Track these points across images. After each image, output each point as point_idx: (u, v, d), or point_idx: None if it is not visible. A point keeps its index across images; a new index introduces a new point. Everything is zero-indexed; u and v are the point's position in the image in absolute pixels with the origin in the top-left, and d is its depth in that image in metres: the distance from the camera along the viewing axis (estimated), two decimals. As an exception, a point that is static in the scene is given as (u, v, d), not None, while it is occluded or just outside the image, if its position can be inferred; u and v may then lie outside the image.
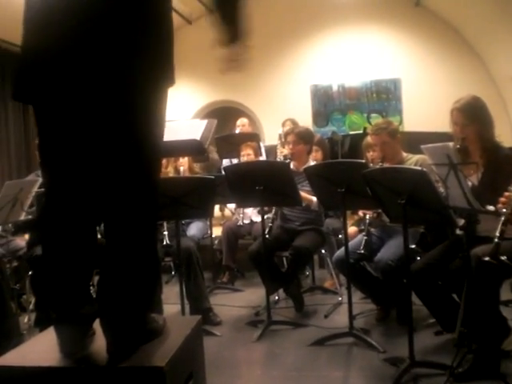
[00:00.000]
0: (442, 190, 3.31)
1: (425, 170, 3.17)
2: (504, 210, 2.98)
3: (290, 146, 5.14)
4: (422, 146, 3.46)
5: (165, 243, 4.82)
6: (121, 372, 1.98)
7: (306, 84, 11.07)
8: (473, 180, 3.50)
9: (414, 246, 4.22)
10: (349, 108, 11.05)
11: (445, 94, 8.69)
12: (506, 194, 3.02)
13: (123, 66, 1.92)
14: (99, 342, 2.15)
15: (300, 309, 4.94)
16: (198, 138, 3.00)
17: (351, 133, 8.79)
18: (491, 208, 3.14)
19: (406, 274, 3.55)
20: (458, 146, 3.53)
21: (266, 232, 4.71)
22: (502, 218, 2.97)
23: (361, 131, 7.19)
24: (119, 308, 2.06)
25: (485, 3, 8.81)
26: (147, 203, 2.09)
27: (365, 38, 10.83)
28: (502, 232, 2.95)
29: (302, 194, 4.62)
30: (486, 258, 2.94)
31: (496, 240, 2.93)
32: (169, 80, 2.08)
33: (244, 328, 4.60)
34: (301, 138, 5.10)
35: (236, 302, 5.38)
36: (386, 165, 4.30)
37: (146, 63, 1.97)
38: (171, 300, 4.89)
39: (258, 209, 5.00)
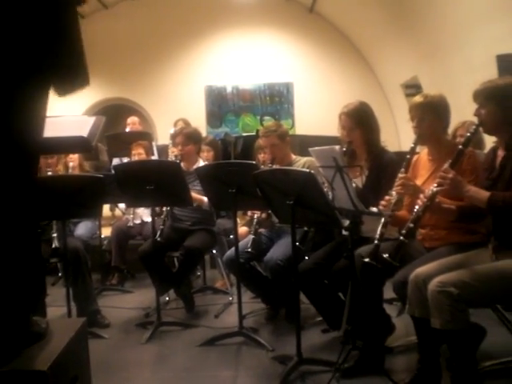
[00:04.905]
0: (329, 192, 3.42)
1: (312, 171, 3.25)
2: (384, 213, 3.12)
3: (179, 148, 5.13)
4: (310, 149, 3.56)
5: (53, 246, 4.65)
6: (1, 376, 1.90)
7: (201, 85, 11.11)
8: (358, 182, 3.63)
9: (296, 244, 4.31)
10: (242, 110, 11.18)
11: (335, 99, 9.00)
12: (387, 197, 3.16)
13: None
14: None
15: (190, 309, 4.93)
16: (85, 135, 2.92)
17: (244, 134, 8.89)
18: (374, 209, 3.27)
19: (294, 274, 3.62)
20: (345, 150, 3.65)
21: (158, 235, 4.70)
22: (382, 220, 3.11)
23: (254, 133, 7.28)
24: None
25: (374, 13, 9.17)
26: (23, 201, 2.01)
27: (259, 42, 11.00)
28: (381, 234, 3.09)
29: (193, 194, 4.62)
30: (366, 259, 3.06)
31: (376, 242, 3.06)
32: (54, 71, 1.98)
33: (133, 330, 4.53)
34: (189, 139, 5.11)
35: (125, 303, 5.29)
36: (276, 166, 4.38)
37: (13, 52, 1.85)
38: (58, 302, 4.74)
39: (150, 209, 4.95)
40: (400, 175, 3.16)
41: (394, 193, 3.13)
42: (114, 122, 9.33)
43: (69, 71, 2.00)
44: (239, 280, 4.28)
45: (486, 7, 6.15)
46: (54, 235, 4.65)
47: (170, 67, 11.06)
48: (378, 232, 3.10)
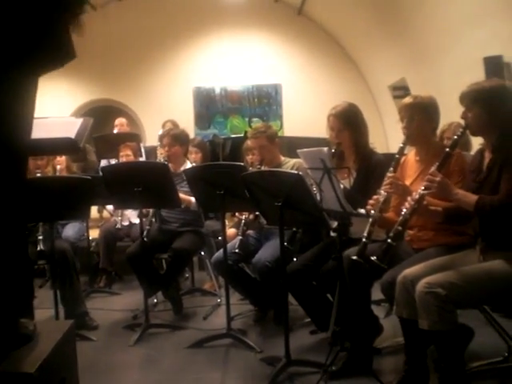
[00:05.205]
0: (317, 193, 3.42)
1: (300, 173, 3.25)
2: (372, 212, 3.13)
3: (166, 149, 5.12)
4: (298, 151, 3.56)
5: (39, 249, 4.61)
6: (-11, 378, 1.90)
7: (189, 86, 11.10)
8: (346, 184, 3.64)
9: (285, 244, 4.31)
10: (231, 111, 11.19)
11: (323, 101, 9.04)
12: (375, 196, 3.17)
13: None
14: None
15: (178, 311, 4.91)
16: (73, 136, 2.91)
17: (232, 136, 8.89)
18: (362, 211, 3.28)
19: (282, 275, 3.62)
20: (334, 151, 3.65)
21: (144, 235, 4.68)
22: (370, 219, 3.12)
23: (242, 135, 7.29)
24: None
25: (362, 15, 9.21)
26: (11, 202, 2.00)
27: (248, 43, 11.02)
28: (369, 232, 3.09)
29: (181, 195, 4.61)
30: (354, 257, 3.06)
31: (364, 240, 3.07)
32: (44, 63, 1.94)
33: (121, 332, 4.51)
34: (176, 140, 5.10)
35: (113, 305, 5.28)
36: (265, 168, 4.38)
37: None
38: (46, 304, 4.71)
39: (137, 210, 4.94)
40: (389, 174, 3.17)
41: (382, 192, 3.14)
42: (102, 123, 9.30)
43: (52, 51, 1.95)
44: (227, 282, 4.28)
45: (473, 10, 6.19)
46: (40, 237, 4.62)
47: (158, 68, 11.04)
48: (367, 230, 3.10)
